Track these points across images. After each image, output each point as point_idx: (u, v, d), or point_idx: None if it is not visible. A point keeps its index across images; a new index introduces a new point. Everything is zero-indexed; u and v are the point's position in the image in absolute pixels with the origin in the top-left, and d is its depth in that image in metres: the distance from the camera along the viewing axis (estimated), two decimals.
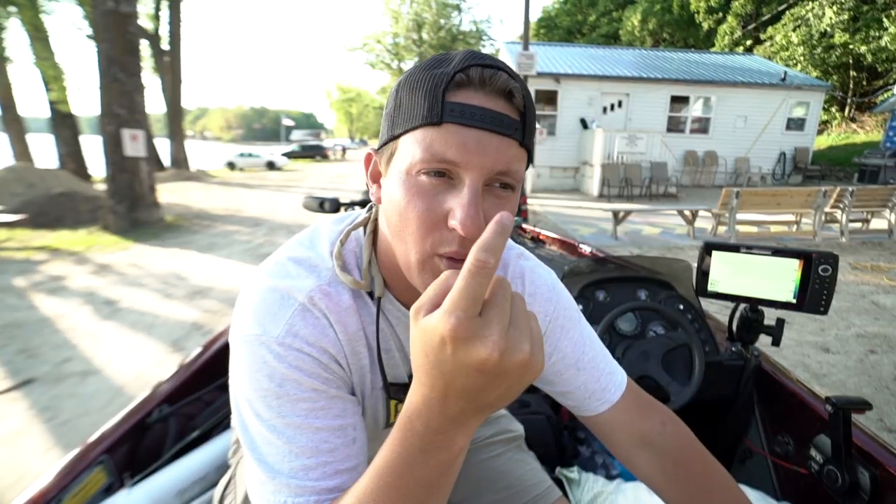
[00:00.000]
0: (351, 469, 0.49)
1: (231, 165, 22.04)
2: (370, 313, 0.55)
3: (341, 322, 0.52)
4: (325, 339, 0.50)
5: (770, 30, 19.36)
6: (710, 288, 1.15)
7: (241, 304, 0.51)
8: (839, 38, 16.40)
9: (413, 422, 0.37)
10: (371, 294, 0.55)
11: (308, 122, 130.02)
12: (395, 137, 0.47)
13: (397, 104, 0.47)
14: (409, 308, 0.55)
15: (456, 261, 0.45)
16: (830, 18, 16.33)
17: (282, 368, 0.47)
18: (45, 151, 12.20)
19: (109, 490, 0.94)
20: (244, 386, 0.48)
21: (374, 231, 0.57)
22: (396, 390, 0.59)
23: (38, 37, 10.79)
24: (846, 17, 16.09)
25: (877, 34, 15.33)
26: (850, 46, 16.30)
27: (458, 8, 29.01)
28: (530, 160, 0.49)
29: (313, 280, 0.52)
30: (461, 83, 0.44)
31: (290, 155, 28.14)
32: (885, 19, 15.09)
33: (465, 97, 0.44)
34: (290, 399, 0.47)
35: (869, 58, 15.88)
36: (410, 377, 0.63)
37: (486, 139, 0.43)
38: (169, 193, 11.06)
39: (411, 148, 0.45)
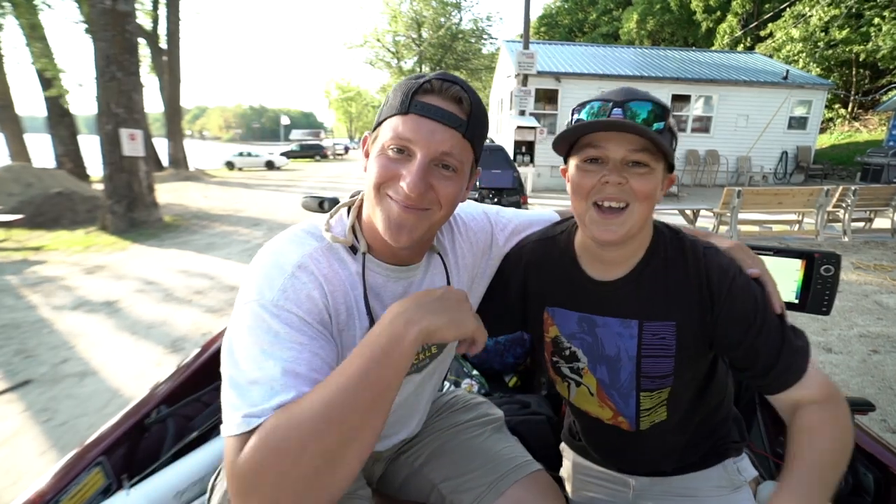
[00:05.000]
0: None
1: (230, 165, 22.01)
2: (354, 273, 0.71)
3: (329, 281, 0.67)
4: (312, 299, 0.64)
5: (770, 27, 19.31)
6: None
7: (247, 275, 0.66)
8: (836, 33, 16.34)
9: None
10: (354, 249, 0.72)
11: (307, 121, 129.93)
12: (379, 123, 0.68)
13: (385, 101, 0.69)
14: (388, 263, 0.74)
15: (398, 202, 0.65)
16: (822, 17, 16.29)
17: (275, 324, 0.59)
18: (42, 151, 12.16)
19: (107, 492, 0.93)
20: (242, 334, 0.60)
21: (360, 206, 0.76)
22: None
23: (35, 35, 10.76)
24: (836, 12, 16.03)
25: (875, 32, 15.30)
26: (850, 45, 16.25)
27: (457, 6, 28.95)
28: (476, 157, 0.72)
29: (308, 247, 0.68)
30: (426, 89, 0.65)
31: (289, 154, 28.08)
32: (878, 19, 15.05)
33: (427, 98, 0.64)
34: (281, 346, 0.58)
35: (877, 55, 15.73)
36: None
37: (436, 128, 0.64)
38: (167, 193, 11.06)
39: (386, 131, 0.66)
